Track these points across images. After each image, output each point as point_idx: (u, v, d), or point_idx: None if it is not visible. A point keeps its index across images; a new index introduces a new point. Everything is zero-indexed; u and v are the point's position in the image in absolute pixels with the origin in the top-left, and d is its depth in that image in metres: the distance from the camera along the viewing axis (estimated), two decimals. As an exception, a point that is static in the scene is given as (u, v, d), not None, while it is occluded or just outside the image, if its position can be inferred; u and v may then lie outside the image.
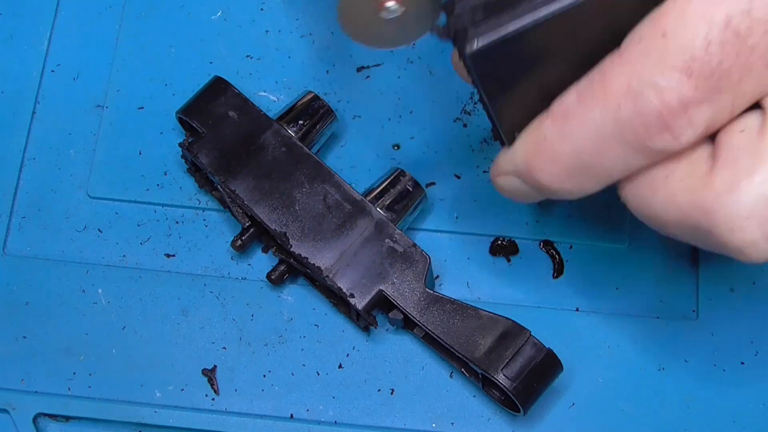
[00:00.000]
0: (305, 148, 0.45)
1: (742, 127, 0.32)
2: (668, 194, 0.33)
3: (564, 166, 0.34)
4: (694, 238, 0.34)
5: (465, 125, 0.49)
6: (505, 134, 0.37)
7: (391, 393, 0.45)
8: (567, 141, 0.33)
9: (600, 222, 0.48)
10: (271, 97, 0.50)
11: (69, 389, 0.45)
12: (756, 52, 0.30)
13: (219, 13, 0.51)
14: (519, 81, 0.34)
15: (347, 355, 0.46)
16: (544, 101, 0.34)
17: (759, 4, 0.30)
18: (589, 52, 0.33)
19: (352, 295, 0.43)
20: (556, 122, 0.34)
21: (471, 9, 0.32)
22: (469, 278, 0.47)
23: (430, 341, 0.45)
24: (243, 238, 0.46)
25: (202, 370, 0.46)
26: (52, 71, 0.51)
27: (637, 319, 0.46)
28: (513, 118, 0.36)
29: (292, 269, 0.46)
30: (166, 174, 0.48)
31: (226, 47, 0.50)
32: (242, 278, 0.47)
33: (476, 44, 0.32)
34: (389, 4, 0.33)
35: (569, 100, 0.33)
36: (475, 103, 0.49)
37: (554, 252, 0.47)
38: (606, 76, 0.32)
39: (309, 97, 0.47)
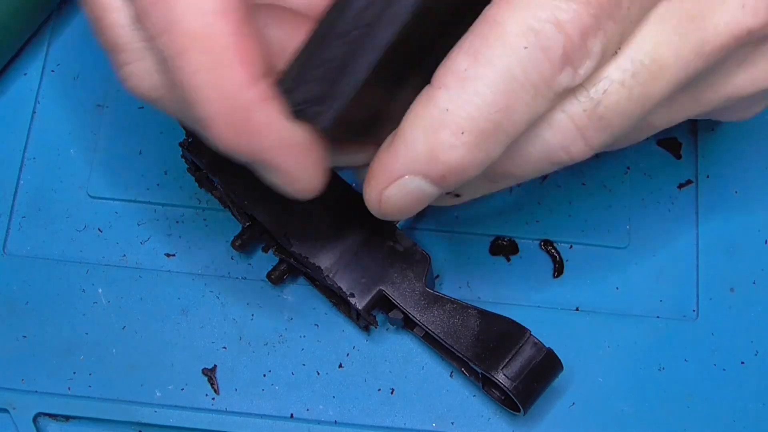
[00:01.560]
0: (305, 148, 0.45)
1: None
2: None
3: (474, 132, 0.32)
4: None
5: (465, 125, 0.49)
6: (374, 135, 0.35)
7: (391, 393, 0.45)
8: (472, 103, 0.32)
9: (600, 222, 0.48)
10: (271, 97, 0.49)
11: (69, 389, 0.45)
12: None
13: (219, 13, 0.51)
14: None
15: (347, 354, 0.46)
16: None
17: None
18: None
19: (352, 295, 0.43)
20: (452, 90, 0.32)
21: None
22: (469, 278, 0.47)
23: (430, 341, 0.45)
24: (243, 237, 0.46)
25: (202, 370, 0.46)
26: (52, 71, 0.51)
27: (637, 319, 0.46)
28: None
29: (292, 269, 0.46)
30: (166, 174, 0.48)
31: (226, 47, 0.50)
32: (242, 278, 0.47)
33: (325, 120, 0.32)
34: None
35: (459, 65, 0.32)
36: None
37: (554, 252, 0.47)
38: (500, 25, 0.31)
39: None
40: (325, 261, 0.44)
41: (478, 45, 0.32)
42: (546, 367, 0.42)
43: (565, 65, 0.32)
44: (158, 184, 0.48)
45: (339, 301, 0.46)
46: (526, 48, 0.31)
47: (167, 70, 0.32)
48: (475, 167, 0.33)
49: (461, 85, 0.32)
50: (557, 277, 0.47)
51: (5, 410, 0.45)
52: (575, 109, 0.33)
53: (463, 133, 0.32)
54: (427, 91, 0.32)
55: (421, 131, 0.32)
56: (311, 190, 0.34)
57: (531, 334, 0.42)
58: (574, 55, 0.32)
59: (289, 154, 0.32)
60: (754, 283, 0.47)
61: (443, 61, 0.33)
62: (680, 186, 0.49)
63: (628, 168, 0.49)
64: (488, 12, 0.32)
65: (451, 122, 0.32)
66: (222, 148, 0.32)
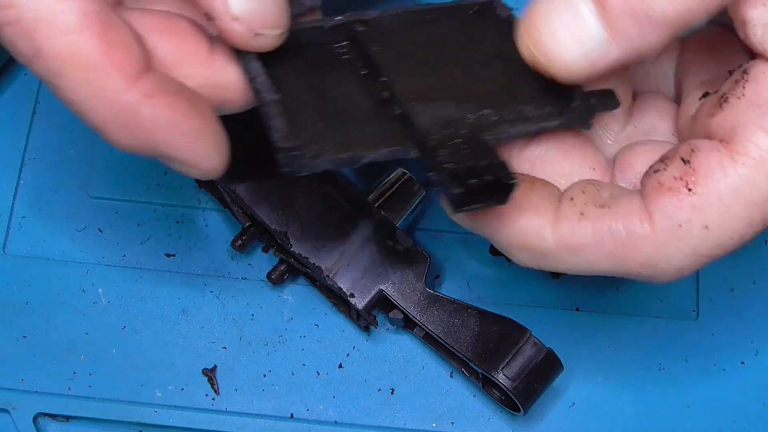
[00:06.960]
0: (305, 148, 0.45)
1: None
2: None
3: None
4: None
5: (465, 125, 0.49)
6: None
7: (391, 393, 0.45)
8: None
9: (600, 222, 0.48)
10: (271, 97, 0.49)
11: (69, 389, 0.45)
12: None
13: (219, 13, 0.51)
14: None
15: (347, 354, 0.46)
16: None
17: None
18: None
19: (352, 295, 0.43)
20: None
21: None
22: (469, 278, 0.47)
23: (430, 341, 0.45)
24: (243, 238, 0.46)
25: (203, 370, 0.46)
26: (52, 71, 0.50)
27: (637, 319, 0.46)
28: None
29: (292, 269, 0.46)
30: (166, 174, 0.48)
31: (226, 47, 0.50)
32: (242, 278, 0.47)
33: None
34: None
35: None
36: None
37: (554, 252, 0.47)
38: None
39: (309, 96, 0.47)
40: (325, 261, 0.44)
41: None
42: (546, 367, 0.42)
43: None
44: (158, 184, 0.48)
45: (339, 301, 0.46)
46: None
47: (53, 90, 0.32)
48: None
49: None
50: (557, 277, 0.47)
51: (5, 410, 0.45)
52: None
53: None
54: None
55: None
56: (213, 172, 0.34)
57: (531, 334, 0.42)
58: None
59: (185, 142, 0.32)
60: (754, 283, 0.47)
61: None
62: (680, 186, 0.49)
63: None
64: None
65: None
66: (122, 150, 0.33)
